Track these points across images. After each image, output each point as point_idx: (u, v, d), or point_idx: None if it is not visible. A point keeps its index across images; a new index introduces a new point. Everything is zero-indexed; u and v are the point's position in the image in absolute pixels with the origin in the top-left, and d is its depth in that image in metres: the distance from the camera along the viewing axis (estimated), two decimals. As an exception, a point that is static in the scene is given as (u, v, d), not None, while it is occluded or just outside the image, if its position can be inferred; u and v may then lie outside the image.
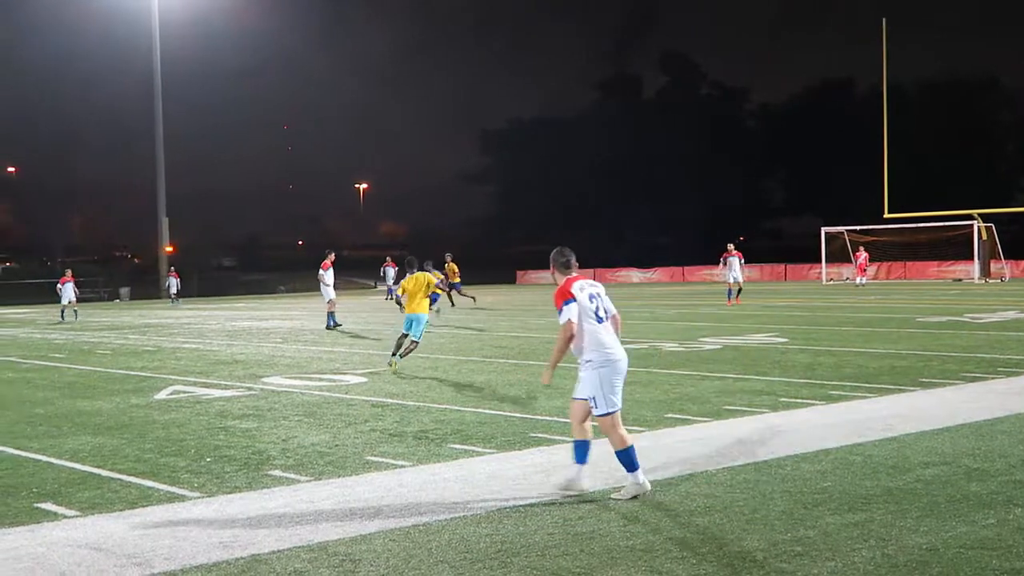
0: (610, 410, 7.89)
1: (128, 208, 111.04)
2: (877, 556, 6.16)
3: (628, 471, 7.79)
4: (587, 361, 7.94)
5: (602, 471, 8.45)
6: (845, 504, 7.39)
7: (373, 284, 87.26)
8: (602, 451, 8.40)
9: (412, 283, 17.41)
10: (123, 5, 71.60)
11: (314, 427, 11.52)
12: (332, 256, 29.40)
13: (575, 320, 7.92)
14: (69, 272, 41.46)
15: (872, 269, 60.19)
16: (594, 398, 7.89)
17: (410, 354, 17.47)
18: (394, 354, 17.19)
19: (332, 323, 28.59)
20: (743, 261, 36.47)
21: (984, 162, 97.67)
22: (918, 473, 8.34)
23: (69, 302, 40.09)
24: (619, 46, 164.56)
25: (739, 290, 35.53)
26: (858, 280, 51.97)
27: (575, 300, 7.94)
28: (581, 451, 7.97)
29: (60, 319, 39.16)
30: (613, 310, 8.12)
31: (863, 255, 53.77)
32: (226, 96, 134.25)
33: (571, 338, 7.96)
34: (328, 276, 28.85)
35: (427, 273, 18.15)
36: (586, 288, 8.03)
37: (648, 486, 7.77)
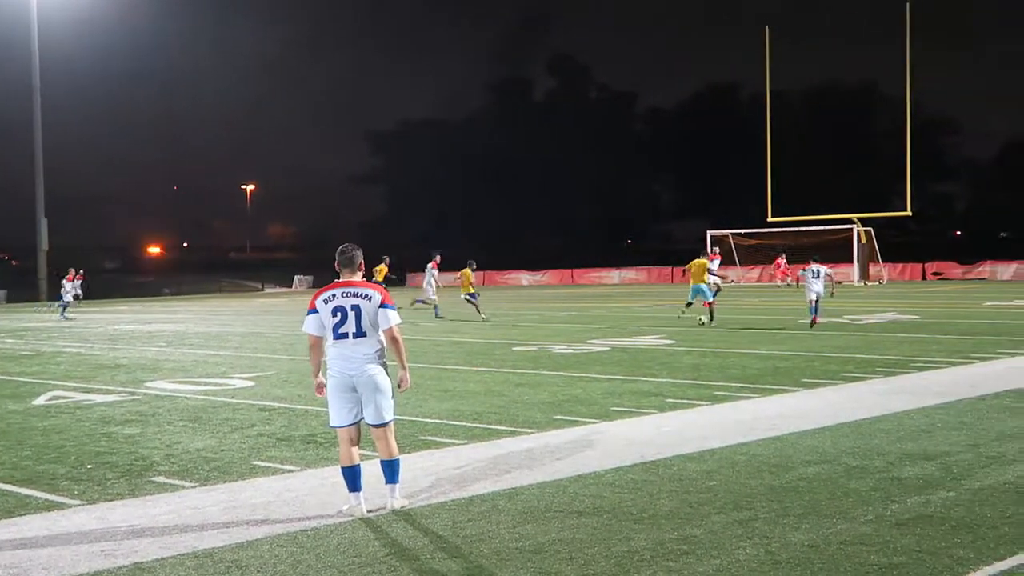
0: (331, 423, 7.79)
1: (5, 209, 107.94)
2: (761, 553, 6.28)
3: (348, 490, 7.60)
4: None
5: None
6: (730, 503, 7.51)
7: (260, 287, 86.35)
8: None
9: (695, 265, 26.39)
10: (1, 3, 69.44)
11: (199, 432, 11.33)
12: (439, 258, 34.09)
13: (311, 332, 7.76)
14: (82, 271, 43.71)
15: (756, 272, 61.46)
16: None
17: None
18: (711, 320, 25.81)
19: (436, 314, 32.42)
20: (719, 263, 38.45)
21: (864, 167, 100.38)
22: (801, 471, 8.53)
23: (69, 299, 41.77)
24: (510, 48, 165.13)
25: (717, 290, 35.90)
26: (786, 281, 52.22)
27: (316, 312, 7.72)
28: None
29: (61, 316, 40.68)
30: (389, 323, 7.63)
31: (783, 261, 54.03)
32: (108, 96, 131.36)
33: (313, 347, 7.82)
34: (434, 275, 33.42)
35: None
36: (337, 299, 7.65)
37: (361, 513, 7.43)
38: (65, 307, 41.70)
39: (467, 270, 32.07)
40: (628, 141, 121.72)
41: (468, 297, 31.69)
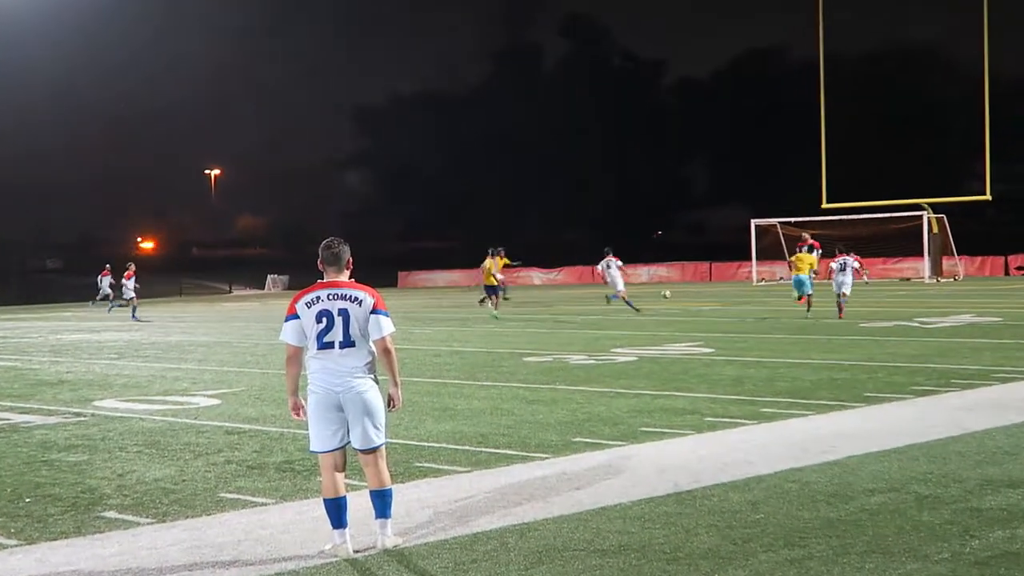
0: (312, 448, 7.77)
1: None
2: (817, 598, 6.26)
3: (332, 526, 7.58)
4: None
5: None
6: (780, 539, 7.49)
7: (228, 288, 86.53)
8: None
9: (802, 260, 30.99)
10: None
11: (157, 459, 11.34)
12: (611, 251, 36.41)
13: (290, 341, 7.72)
14: (125, 268, 44.52)
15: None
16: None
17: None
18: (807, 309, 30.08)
19: (631, 306, 35.15)
20: (820, 252, 39.70)
21: (935, 144, 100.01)
22: (862, 502, 8.50)
23: (107, 297, 46.73)
24: (515, 7, 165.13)
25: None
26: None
27: (297, 318, 7.70)
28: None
29: (129, 314, 42.81)
30: (381, 332, 7.65)
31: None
32: (46, 70, 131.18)
33: (291, 359, 7.80)
34: (615, 266, 36.30)
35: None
36: (323, 302, 7.66)
37: (346, 553, 7.42)
38: (135, 308, 43.08)
39: (499, 259, 36.28)
40: (656, 116, 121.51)
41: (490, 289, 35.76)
